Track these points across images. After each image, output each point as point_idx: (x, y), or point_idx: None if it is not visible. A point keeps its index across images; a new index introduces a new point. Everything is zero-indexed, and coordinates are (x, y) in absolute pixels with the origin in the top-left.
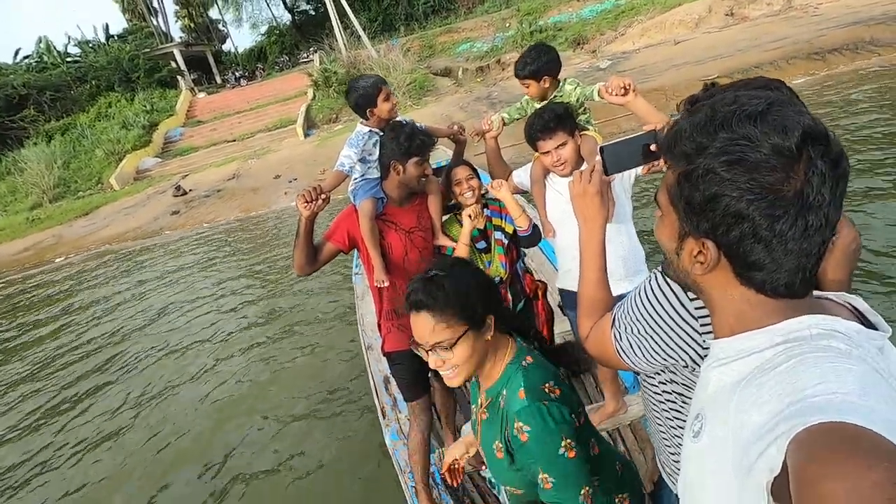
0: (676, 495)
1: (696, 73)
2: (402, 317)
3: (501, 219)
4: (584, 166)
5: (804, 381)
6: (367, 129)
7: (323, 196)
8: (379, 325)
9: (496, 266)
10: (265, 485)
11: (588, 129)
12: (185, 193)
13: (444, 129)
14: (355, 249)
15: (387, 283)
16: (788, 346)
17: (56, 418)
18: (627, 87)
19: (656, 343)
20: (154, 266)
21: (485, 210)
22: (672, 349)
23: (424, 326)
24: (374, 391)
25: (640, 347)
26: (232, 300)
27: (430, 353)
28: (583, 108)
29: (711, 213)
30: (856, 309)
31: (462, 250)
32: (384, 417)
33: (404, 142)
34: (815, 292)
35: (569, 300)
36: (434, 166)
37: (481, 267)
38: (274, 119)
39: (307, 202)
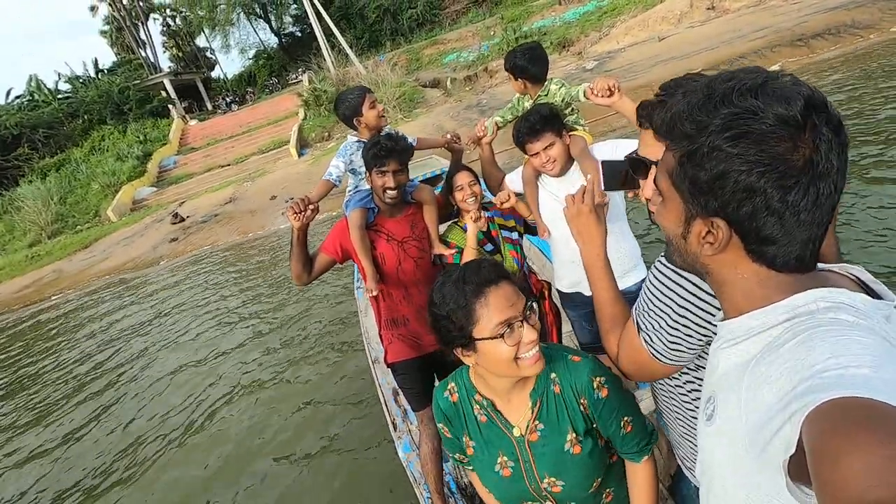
0: (696, 487)
1: (682, 67)
2: (401, 326)
3: (503, 218)
4: (573, 167)
5: (814, 357)
6: (356, 139)
7: (311, 206)
8: (381, 336)
9: (510, 262)
10: (279, 498)
11: (577, 129)
12: (182, 220)
13: (440, 140)
14: (353, 262)
15: (376, 292)
16: (796, 321)
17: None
18: (612, 88)
19: (688, 330)
20: (155, 292)
21: (485, 213)
22: (706, 329)
23: (511, 293)
24: (384, 404)
25: (672, 342)
26: (235, 321)
27: (524, 322)
28: (570, 109)
29: (720, 191)
30: (859, 279)
31: (471, 255)
32: (395, 430)
33: (366, 153)
34: (819, 265)
35: (566, 300)
36: (430, 175)
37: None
38: (267, 141)
39: (296, 213)
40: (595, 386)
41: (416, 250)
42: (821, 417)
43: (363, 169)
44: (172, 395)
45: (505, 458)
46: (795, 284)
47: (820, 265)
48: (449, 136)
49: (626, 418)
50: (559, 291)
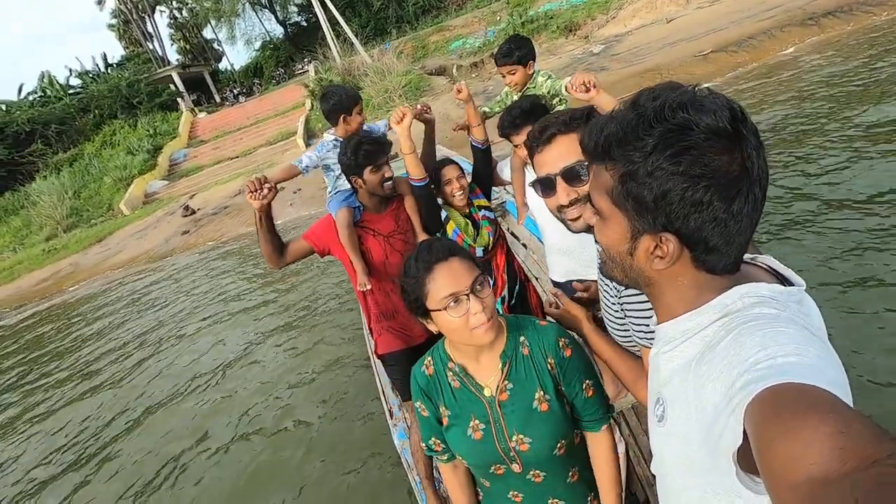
0: None
1: (689, 49)
2: (390, 319)
3: (479, 199)
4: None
5: (747, 351)
6: (332, 137)
7: (268, 185)
8: (370, 329)
9: (484, 237)
10: (278, 483)
11: None
12: (193, 213)
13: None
14: (333, 257)
15: (369, 287)
16: (727, 319)
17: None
18: (588, 84)
19: None
20: (167, 284)
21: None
22: None
23: (459, 268)
24: (382, 393)
25: None
26: (242, 309)
27: (471, 296)
28: (558, 99)
29: (668, 207)
30: (771, 268)
31: (405, 144)
32: (391, 418)
33: (351, 157)
34: None
35: (561, 290)
36: None
37: (471, 236)
38: (274, 133)
39: (252, 192)
40: (560, 346)
41: (401, 243)
42: (759, 406)
43: (337, 167)
44: (174, 377)
45: (476, 422)
46: (725, 283)
47: None
48: (419, 106)
49: (587, 381)
50: (552, 281)
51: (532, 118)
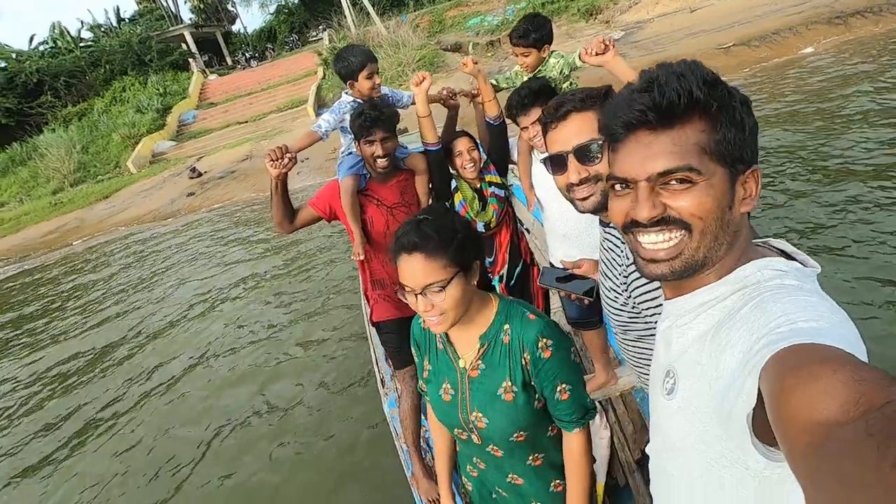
0: None
1: (712, 41)
2: (387, 287)
3: (492, 174)
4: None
5: (767, 317)
6: (350, 98)
7: (289, 155)
8: (367, 296)
9: (489, 214)
10: (266, 447)
11: None
12: (199, 175)
13: (434, 96)
14: (340, 222)
15: (362, 257)
16: (746, 290)
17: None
18: (607, 44)
19: None
20: (172, 245)
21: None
22: None
23: (416, 267)
24: (375, 361)
25: None
26: (243, 274)
27: (419, 296)
28: (569, 82)
29: (753, 139)
30: (783, 251)
31: (421, 107)
32: (383, 386)
33: (353, 124)
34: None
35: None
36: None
37: (475, 210)
38: (285, 99)
39: (273, 161)
40: (539, 346)
41: (404, 216)
42: (777, 363)
43: None
44: (172, 342)
45: (448, 386)
46: (750, 246)
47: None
48: (445, 91)
49: (562, 385)
50: (552, 265)
51: (541, 99)
